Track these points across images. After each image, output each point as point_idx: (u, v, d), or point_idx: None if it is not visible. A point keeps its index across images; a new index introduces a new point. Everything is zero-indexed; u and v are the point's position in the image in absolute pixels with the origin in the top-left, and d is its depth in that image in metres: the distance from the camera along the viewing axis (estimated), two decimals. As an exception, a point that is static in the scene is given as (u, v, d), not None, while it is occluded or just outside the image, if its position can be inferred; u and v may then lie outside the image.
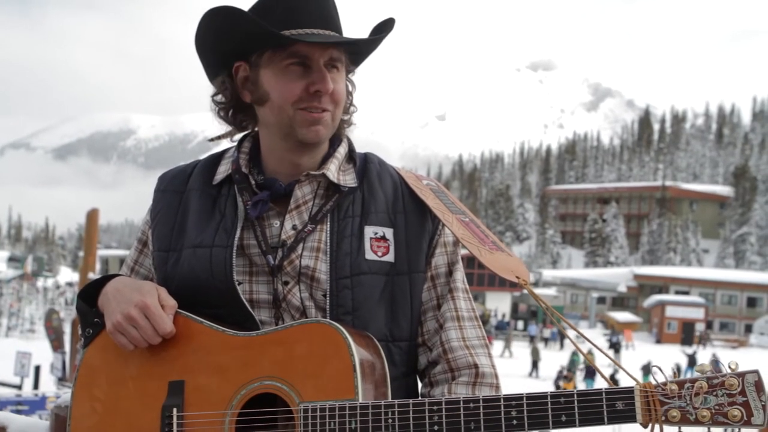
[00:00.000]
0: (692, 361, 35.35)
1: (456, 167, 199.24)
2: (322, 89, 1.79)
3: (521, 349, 42.91)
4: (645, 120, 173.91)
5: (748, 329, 69.37)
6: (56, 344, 19.42)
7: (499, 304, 61.72)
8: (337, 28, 1.84)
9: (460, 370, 1.86)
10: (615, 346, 42.89)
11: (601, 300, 76.46)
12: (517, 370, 30.92)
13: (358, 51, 1.92)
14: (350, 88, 1.96)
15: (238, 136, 2.00)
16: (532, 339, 47.76)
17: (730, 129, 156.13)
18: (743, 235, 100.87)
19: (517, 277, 1.83)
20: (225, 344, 1.73)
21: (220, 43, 1.86)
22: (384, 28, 1.88)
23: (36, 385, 17.91)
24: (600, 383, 28.39)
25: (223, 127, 1.99)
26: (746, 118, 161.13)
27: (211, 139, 2.04)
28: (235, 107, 1.93)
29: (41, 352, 21.37)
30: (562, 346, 46.78)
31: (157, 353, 1.78)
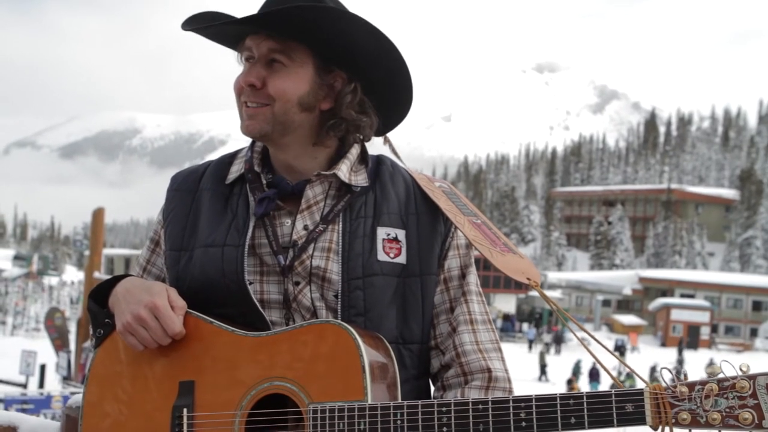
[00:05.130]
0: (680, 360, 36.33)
1: (461, 169, 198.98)
2: (241, 81, 1.83)
3: (524, 354, 42.77)
4: (651, 122, 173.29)
5: (754, 333, 69.08)
6: (58, 343, 19.42)
7: (505, 306, 61.67)
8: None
9: (473, 374, 1.85)
10: (620, 350, 42.81)
11: (606, 303, 76.20)
12: (524, 374, 30.86)
13: (320, 46, 1.83)
14: (348, 99, 1.87)
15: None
16: (530, 343, 47.55)
17: (736, 132, 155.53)
18: (749, 239, 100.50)
19: (528, 279, 1.83)
20: (235, 344, 1.74)
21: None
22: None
23: (41, 384, 17.95)
24: (605, 387, 28.38)
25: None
26: (752, 121, 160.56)
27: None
28: None
29: (46, 350, 21.39)
30: (558, 351, 46.46)
31: (168, 354, 1.78)
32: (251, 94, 1.82)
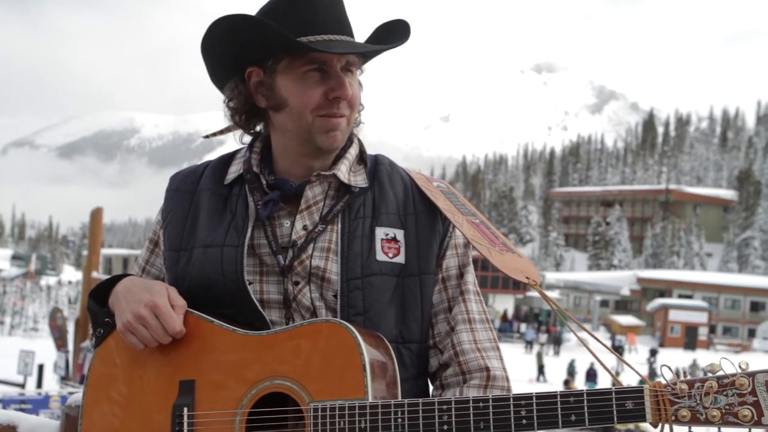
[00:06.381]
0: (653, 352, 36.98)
1: (459, 169, 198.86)
2: (342, 95, 1.81)
3: (521, 355, 42.75)
4: (649, 123, 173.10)
5: (752, 333, 69.08)
6: (60, 343, 19.43)
7: (504, 306, 61.66)
8: (351, 32, 1.86)
9: (472, 373, 1.86)
10: (618, 350, 42.81)
11: (604, 303, 76.14)
12: (522, 375, 30.85)
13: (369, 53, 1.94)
14: (361, 93, 1.98)
15: (241, 136, 2.01)
16: (529, 344, 47.42)
17: (735, 132, 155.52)
18: (747, 239, 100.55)
19: (527, 278, 1.83)
20: (235, 343, 1.74)
21: (237, 50, 1.84)
22: (399, 31, 1.90)
23: (39, 384, 17.95)
24: (601, 386, 28.34)
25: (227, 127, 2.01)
26: (750, 121, 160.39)
27: (206, 136, 2.07)
28: (249, 112, 1.93)
29: (44, 350, 21.42)
30: (557, 352, 46.38)
31: (168, 353, 1.79)
32: (339, 106, 1.83)
